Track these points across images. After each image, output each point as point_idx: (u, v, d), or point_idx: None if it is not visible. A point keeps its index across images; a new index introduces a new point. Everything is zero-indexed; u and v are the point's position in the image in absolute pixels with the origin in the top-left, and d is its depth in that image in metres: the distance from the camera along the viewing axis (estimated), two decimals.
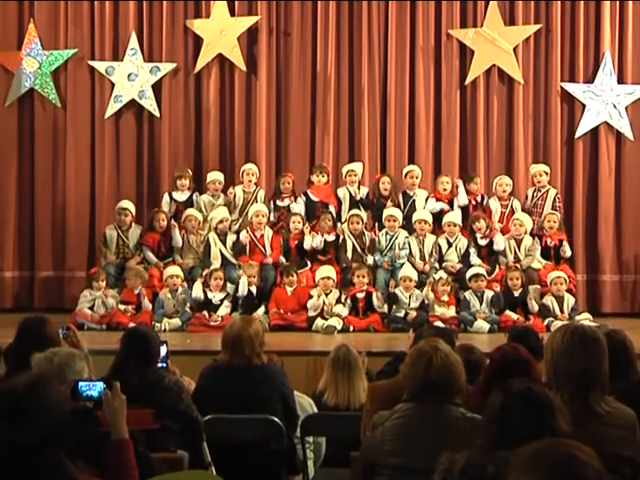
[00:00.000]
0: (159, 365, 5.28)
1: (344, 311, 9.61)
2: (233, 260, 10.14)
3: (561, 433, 3.06)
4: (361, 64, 11.25)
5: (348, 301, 9.68)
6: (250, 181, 10.53)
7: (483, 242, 10.12)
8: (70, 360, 4.11)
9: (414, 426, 3.82)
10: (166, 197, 10.62)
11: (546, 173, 10.67)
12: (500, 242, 10.11)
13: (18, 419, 3.01)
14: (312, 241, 10.04)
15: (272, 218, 10.42)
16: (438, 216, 10.35)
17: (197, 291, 9.69)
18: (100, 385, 3.59)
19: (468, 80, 11.25)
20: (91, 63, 11.21)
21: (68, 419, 3.11)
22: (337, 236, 10.22)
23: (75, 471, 3.07)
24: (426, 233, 10.16)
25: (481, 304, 9.69)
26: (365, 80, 11.24)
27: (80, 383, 3.59)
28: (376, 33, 11.28)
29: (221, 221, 10.17)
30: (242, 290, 9.69)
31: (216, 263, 10.05)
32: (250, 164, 10.76)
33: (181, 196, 10.56)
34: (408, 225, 10.27)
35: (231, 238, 10.21)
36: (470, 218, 10.29)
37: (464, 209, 10.42)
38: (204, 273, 9.89)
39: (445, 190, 10.50)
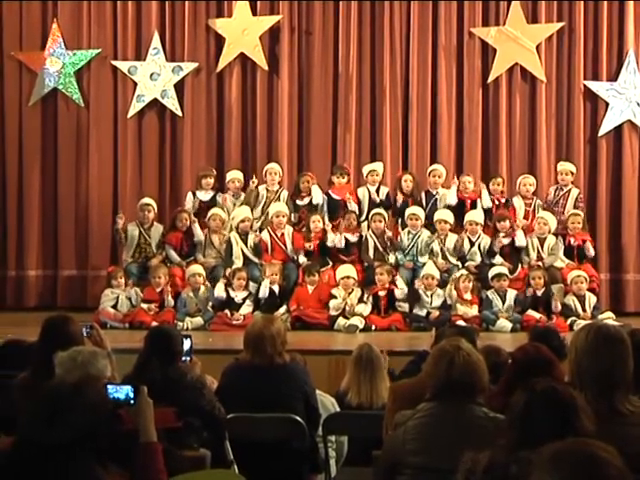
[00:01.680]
0: (183, 359, 5.30)
1: (366, 310, 9.60)
2: (255, 259, 10.15)
3: (585, 433, 3.04)
4: (383, 63, 11.24)
5: (370, 300, 9.67)
6: (273, 180, 10.53)
7: (505, 241, 10.09)
8: (93, 359, 4.13)
9: (436, 425, 3.81)
10: (190, 196, 10.63)
11: (572, 173, 10.62)
12: (521, 238, 10.07)
13: (56, 418, 3.03)
14: (335, 238, 10.02)
15: (293, 218, 10.41)
16: (461, 214, 10.31)
17: (219, 291, 9.72)
18: (127, 388, 3.61)
19: (490, 79, 11.21)
20: (114, 63, 11.25)
21: (104, 421, 3.14)
22: (360, 236, 10.21)
23: (103, 474, 3.09)
24: (447, 232, 10.14)
25: (503, 303, 9.66)
26: (387, 79, 11.22)
27: (108, 386, 3.62)
28: (398, 32, 11.26)
29: (243, 220, 10.18)
30: (263, 292, 9.70)
31: (238, 262, 10.06)
32: (273, 163, 10.77)
33: (205, 195, 10.58)
34: (431, 224, 10.25)
35: (252, 237, 10.22)
36: (494, 217, 10.25)
37: (487, 210, 10.39)
38: (227, 273, 9.91)
39: (467, 189, 10.47)
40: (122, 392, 3.60)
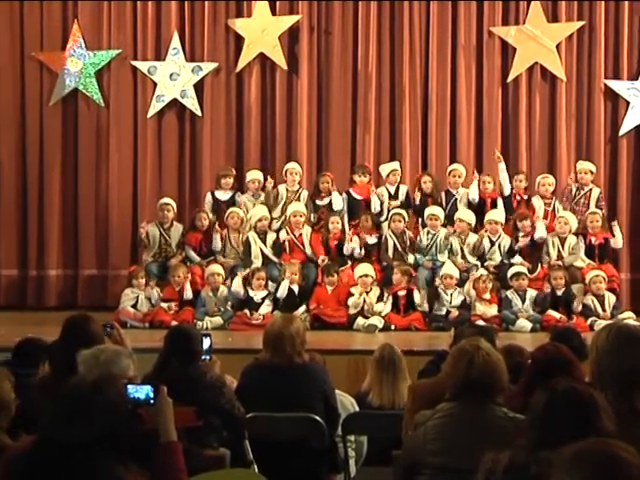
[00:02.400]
0: (203, 357, 5.32)
1: (385, 309, 9.60)
2: (274, 259, 10.16)
3: (605, 433, 3.03)
4: (402, 62, 11.22)
5: (389, 299, 9.66)
6: (293, 180, 10.53)
7: (524, 241, 10.05)
8: (116, 358, 4.14)
9: (456, 426, 3.81)
10: (209, 196, 10.64)
11: (591, 172, 10.57)
12: (541, 229, 10.00)
13: (75, 417, 3.04)
14: (351, 246, 10.00)
15: (312, 219, 10.40)
16: (481, 214, 10.28)
17: (237, 285, 9.72)
18: (147, 388, 3.62)
19: (510, 78, 11.18)
20: (134, 63, 11.29)
21: (125, 421, 3.15)
22: (379, 238, 10.20)
23: (124, 473, 3.10)
24: (467, 232, 10.11)
25: (523, 303, 9.63)
26: (406, 78, 11.21)
27: (128, 386, 3.63)
28: (417, 31, 11.24)
29: (260, 219, 10.18)
30: (282, 292, 9.70)
31: (257, 262, 10.07)
32: (293, 163, 10.77)
33: (224, 195, 10.58)
34: (450, 224, 10.23)
35: (271, 237, 10.22)
36: (515, 216, 10.22)
37: (507, 201, 10.33)
38: (246, 272, 9.91)
39: (487, 189, 10.44)
40: (142, 392, 3.61)
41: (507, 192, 10.36)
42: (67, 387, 3.19)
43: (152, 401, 3.61)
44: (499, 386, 3.87)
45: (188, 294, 9.73)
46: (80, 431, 3.03)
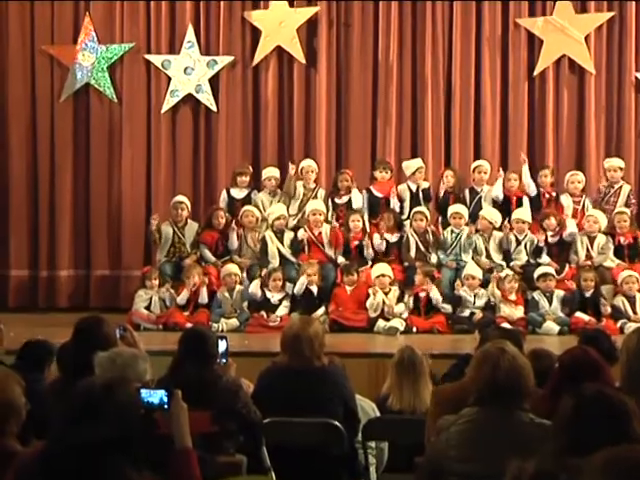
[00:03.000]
0: (218, 360, 5.33)
1: (405, 311, 9.57)
2: (292, 259, 10.16)
3: (636, 439, 3.02)
4: (424, 55, 11.20)
5: (410, 301, 9.64)
6: (309, 178, 10.52)
7: (554, 240, 10.01)
8: (133, 361, 4.16)
9: (480, 431, 3.80)
10: (224, 194, 10.65)
11: (620, 169, 10.52)
12: (572, 226, 9.96)
13: (86, 418, 3.06)
14: (376, 243, 10.00)
15: (330, 217, 10.40)
16: (506, 212, 10.26)
17: (254, 287, 9.72)
18: (161, 392, 3.62)
19: (537, 71, 11.14)
20: (147, 57, 11.31)
21: (137, 424, 3.16)
22: (401, 236, 10.18)
23: (137, 478, 3.11)
24: (491, 231, 10.09)
25: (550, 304, 9.60)
26: (428, 72, 11.18)
27: (142, 390, 3.63)
28: (440, 22, 11.22)
29: (278, 218, 10.20)
30: (299, 289, 9.70)
31: (274, 262, 10.08)
32: (309, 160, 10.76)
33: (239, 193, 10.59)
34: (474, 223, 10.20)
35: (289, 236, 10.23)
36: (540, 215, 10.19)
37: (536, 200, 10.30)
38: (262, 273, 9.92)
39: (512, 187, 10.40)
40: (156, 396, 3.61)
41: (532, 193, 10.32)
42: (78, 389, 3.21)
43: (166, 406, 3.61)
44: (525, 391, 3.86)
45: (204, 298, 9.73)
46: (90, 432, 3.04)
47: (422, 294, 9.65)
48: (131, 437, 3.15)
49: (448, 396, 4.56)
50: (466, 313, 9.62)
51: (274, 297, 9.74)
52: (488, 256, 10.05)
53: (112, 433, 3.08)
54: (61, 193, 11.30)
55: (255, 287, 9.74)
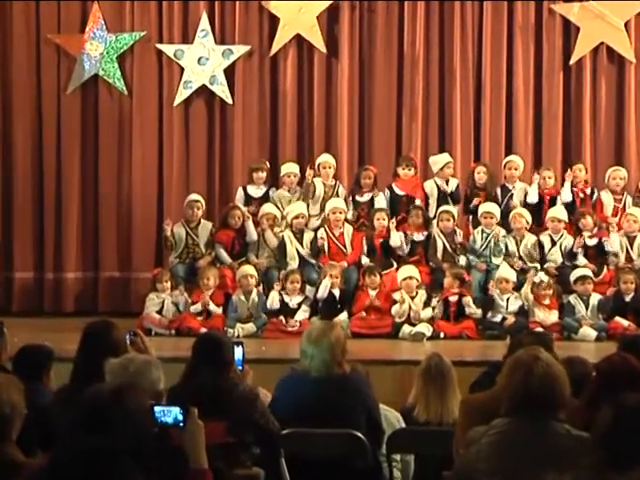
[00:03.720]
0: (235, 368, 5.34)
1: (432, 315, 9.55)
2: (311, 260, 10.16)
3: None
4: (453, 44, 11.19)
5: (439, 305, 9.63)
6: (327, 174, 10.51)
7: (591, 242, 9.97)
8: (146, 369, 4.17)
9: (513, 443, 3.79)
10: (240, 192, 10.65)
11: None
12: (615, 243, 9.93)
13: (97, 426, 3.08)
14: (394, 240, 10.01)
15: (350, 216, 10.39)
16: (538, 212, 10.24)
17: (273, 301, 9.71)
18: (176, 410, 3.63)
19: (573, 60, 11.11)
20: (159, 46, 11.35)
21: (149, 433, 3.17)
22: (428, 235, 10.18)
23: None
24: (524, 231, 10.06)
25: (587, 309, 9.57)
26: (457, 62, 11.17)
27: (155, 407, 3.64)
28: (469, 9, 11.21)
29: (297, 217, 10.20)
30: (322, 293, 9.70)
31: (293, 264, 10.08)
32: (326, 155, 10.75)
33: (257, 191, 10.59)
34: (505, 222, 10.18)
35: (309, 236, 10.22)
36: (575, 214, 10.16)
37: (569, 204, 10.29)
38: (280, 282, 9.90)
39: (547, 185, 10.37)
40: (170, 415, 3.61)
41: (567, 199, 10.27)
42: (86, 395, 3.23)
43: (182, 424, 3.61)
44: (560, 400, 3.85)
45: (213, 309, 9.72)
46: (99, 439, 3.06)
47: (452, 298, 9.63)
48: (142, 445, 3.16)
49: (477, 406, 4.56)
50: (497, 318, 9.60)
51: (292, 301, 9.74)
52: (520, 258, 10.02)
53: (122, 440, 3.09)
54: (68, 191, 11.34)
55: (272, 300, 9.70)
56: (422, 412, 5.70)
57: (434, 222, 10.28)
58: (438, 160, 10.62)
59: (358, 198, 10.50)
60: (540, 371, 3.83)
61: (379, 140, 11.29)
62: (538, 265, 9.99)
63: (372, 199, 10.42)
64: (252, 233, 10.23)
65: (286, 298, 9.75)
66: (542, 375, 3.83)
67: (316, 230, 10.30)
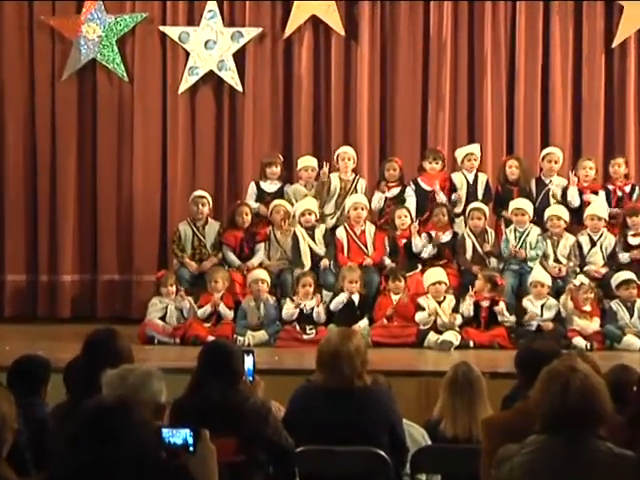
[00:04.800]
0: (246, 379, 5.36)
1: (460, 320, 9.55)
2: (321, 251, 10.13)
3: None
4: (483, 26, 11.19)
5: (471, 310, 9.60)
6: (346, 167, 10.52)
7: (636, 241, 9.96)
8: (146, 380, 4.19)
9: (549, 462, 3.79)
10: (252, 187, 10.67)
11: None
12: None
13: (95, 440, 3.10)
14: (417, 243, 10.03)
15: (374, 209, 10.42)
16: (578, 210, 10.23)
17: (288, 313, 9.73)
18: (185, 432, 3.64)
19: (615, 43, 11.11)
20: (162, 29, 11.38)
21: (152, 448, 3.19)
22: (454, 235, 10.18)
23: None
24: (562, 231, 10.05)
25: (631, 316, 9.56)
26: (488, 45, 11.17)
27: (163, 429, 3.65)
28: None
29: (303, 214, 10.20)
30: (336, 305, 9.70)
31: (306, 262, 10.09)
32: (346, 147, 10.78)
33: (270, 186, 10.61)
34: (540, 220, 10.18)
35: (320, 230, 10.20)
36: (624, 210, 10.13)
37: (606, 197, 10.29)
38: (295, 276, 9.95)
39: (587, 178, 10.36)
40: (179, 437, 3.63)
41: (576, 204, 10.28)
42: (84, 408, 3.25)
43: (191, 448, 3.63)
44: (600, 415, 3.85)
45: (226, 312, 9.76)
46: (100, 449, 3.08)
47: (484, 303, 9.63)
48: (145, 460, 3.18)
49: (500, 425, 4.57)
50: (532, 326, 9.59)
51: (307, 306, 9.75)
52: (557, 260, 10.02)
53: (125, 453, 3.11)
54: (63, 186, 11.38)
55: (289, 313, 9.70)
56: (449, 426, 5.70)
57: (460, 220, 10.28)
58: (461, 151, 10.64)
59: (385, 192, 10.48)
60: (578, 384, 3.83)
61: (402, 132, 11.30)
62: (577, 268, 9.98)
63: (400, 194, 10.42)
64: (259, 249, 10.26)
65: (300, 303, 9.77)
66: (580, 388, 3.83)
67: (333, 229, 10.30)
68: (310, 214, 10.21)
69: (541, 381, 3.96)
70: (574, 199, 10.25)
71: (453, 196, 10.40)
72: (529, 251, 9.98)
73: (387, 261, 10.15)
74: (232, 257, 10.31)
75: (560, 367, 3.93)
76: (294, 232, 10.22)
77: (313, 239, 10.22)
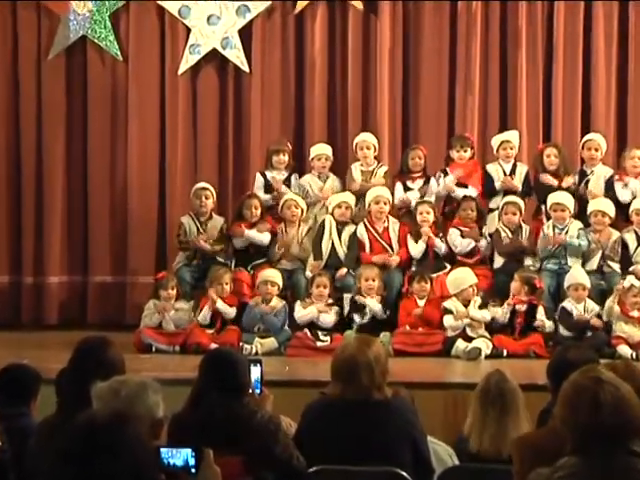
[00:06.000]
0: (252, 392, 5.38)
1: (488, 317, 9.56)
2: (342, 253, 10.17)
3: None
4: (517, 2, 11.19)
5: (504, 317, 9.61)
6: (366, 157, 10.55)
7: None
8: (141, 392, 4.20)
9: None
10: (259, 179, 10.70)
11: None
12: None
13: (91, 456, 3.12)
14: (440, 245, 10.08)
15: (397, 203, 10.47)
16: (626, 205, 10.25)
17: (300, 315, 9.77)
18: (186, 452, 3.66)
19: None
20: (160, 2, 11.40)
21: (150, 470, 3.22)
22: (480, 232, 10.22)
23: None
24: (606, 228, 10.04)
25: None
26: (522, 20, 11.17)
27: (161, 449, 3.67)
28: None
29: (339, 205, 10.23)
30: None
31: (323, 259, 10.13)
32: (366, 134, 10.79)
33: (277, 177, 10.65)
34: (582, 215, 10.18)
35: (349, 230, 10.23)
36: None
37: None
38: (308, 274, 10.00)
39: (636, 168, 10.35)
40: (179, 457, 3.65)
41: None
42: (76, 423, 3.27)
43: (193, 470, 3.65)
44: (635, 429, 3.85)
45: (226, 310, 9.79)
46: (93, 472, 3.10)
47: (520, 307, 9.63)
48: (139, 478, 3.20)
49: (532, 445, 4.57)
50: (574, 332, 9.59)
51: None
52: (603, 259, 10.03)
53: (116, 475, 3.13)
54: (50, 177, 11.41)
55: (301, 314, 9.74)
56: (475, 441, 5.70)
57: (491, 215, 10.30)
58: (497, 138, 10.63)
59: (409, 184, 10.50)
60: (608, 398, 3.82)
61: (427, 115, 11.30)
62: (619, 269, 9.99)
63: (425, 186, 10.45)
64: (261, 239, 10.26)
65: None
66: (612, 403, 3.82)
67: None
68: (347, 208, 10.25)
69: (565, 397, 3.95)
70: (623, 193, 10.23)
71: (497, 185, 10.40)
72: (570, 238, 9.94)
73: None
74: (254, 234, 10.22)
75: (584, 380, 3.92)
76: (322, 222, 10.23)
77: (339, 236, 10.23)
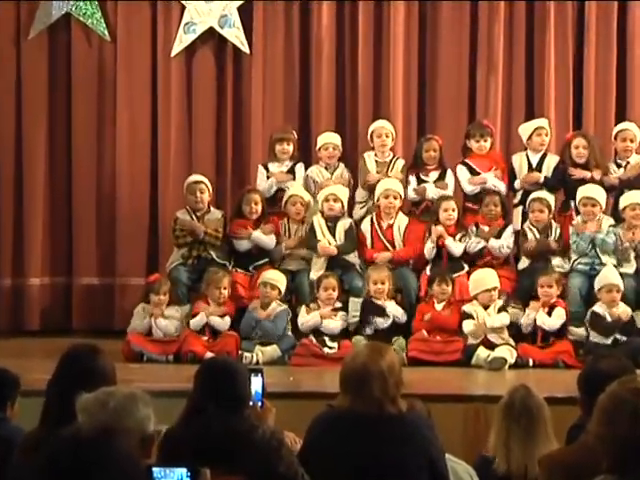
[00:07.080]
0: (253, 404, 5.40)
1: (507, 321, 9.59)
2: (353, 260, 10.19)
3: None
4: None
5: (526, 326, 9.64)
6: (384, 146, 10.56)
7: None
8: (131, 405, 4.22)
9: None
10: (261, 170, 10.71)
11: None
12: None
13: (76, 475, 3.15)
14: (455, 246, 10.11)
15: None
16: None
17: (304, 319, 9.79)
18: (181, 472, 3.68)
19: None
20: None
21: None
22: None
23: None
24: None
25: None
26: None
27: (153, 469, 3.69)
28: None
29: (327, 199, 10.24)
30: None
31: (320, 262, 10.14)
32: (382, 121, 10.80)
33: (280, 167, 10.67)
34: (614, 211, 10.21)
35: (343, 225, 10.24)
36: None
37: None
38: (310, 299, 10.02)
39: None
40: (173, 477, 3.67)
41: None
42: (60, 438, 3.28)
43: None
44: None
45: (225, 323, 9.83)
46: None
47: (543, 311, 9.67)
48: None
49: (560, 464, 4.59)
50: (608, 339, 9.60)
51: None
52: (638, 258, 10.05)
53: None
54: (31, 170, 11.42)
55: (304, 320, 9.77)
56: (501, 461, 5.72)
57: (515, 210, 10.32)
58: (527, 126, 10.62)
59: (422, 176, 10.52)
60: None
61: (445, 101, 11.32)
62: None
63: (440, 178, 10.47)
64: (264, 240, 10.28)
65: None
66: None
67: (360, 221, 10.36)
68: (335, 201, 10.25)
69: (602, 411, 3.96)
70: None
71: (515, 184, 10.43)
72: (598, 236, 9.95)
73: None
74: (261, 237, 10.23)
75: (623, 392, 3.94)
76: (311, 225, 10.25)
77: (333, 234, 10.24)
